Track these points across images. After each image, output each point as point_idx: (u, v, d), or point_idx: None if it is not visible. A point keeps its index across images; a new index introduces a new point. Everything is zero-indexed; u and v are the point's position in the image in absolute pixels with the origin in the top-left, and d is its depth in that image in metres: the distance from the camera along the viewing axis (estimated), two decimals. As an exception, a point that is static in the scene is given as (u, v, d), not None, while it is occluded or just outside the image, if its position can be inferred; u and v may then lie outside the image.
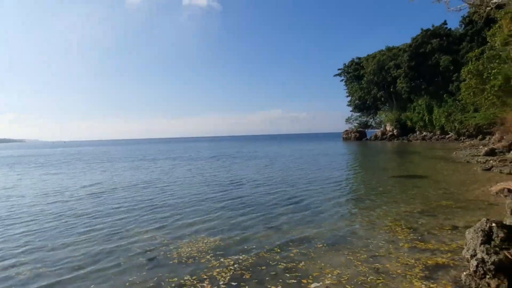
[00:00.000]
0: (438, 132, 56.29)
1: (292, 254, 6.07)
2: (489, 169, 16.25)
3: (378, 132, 74.18)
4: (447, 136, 53.38)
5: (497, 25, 23.01)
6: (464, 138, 47.56)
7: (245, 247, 6.61)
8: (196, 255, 6.20)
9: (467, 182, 13.32)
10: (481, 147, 28.53)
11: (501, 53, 23.28)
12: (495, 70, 23.64)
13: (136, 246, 6.90)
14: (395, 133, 67.35)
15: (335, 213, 9.24)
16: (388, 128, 71.24)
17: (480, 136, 41.41)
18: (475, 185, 12.53)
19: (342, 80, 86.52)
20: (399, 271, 5.12)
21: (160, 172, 21.89)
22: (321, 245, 6.53)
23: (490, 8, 7.00)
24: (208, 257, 6.07)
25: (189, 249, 6.55)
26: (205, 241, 7.05)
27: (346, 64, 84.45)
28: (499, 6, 12.41)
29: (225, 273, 5.30)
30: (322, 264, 5.53)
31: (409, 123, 64.32)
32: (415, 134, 63.12)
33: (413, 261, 5.45)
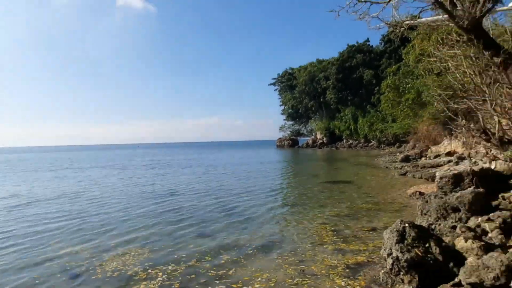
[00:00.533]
0: (362, 140, 60.93)
1: (223, 261, 6.06)
2: (404, 174, 17.94)
3: (309, 140, 77.97)
4: (370, 144, 58.04)
5: (410, 45, 25.78)
6: (384, 146, 52.11)
7: (175, 257, 6.42)
8: (123, 268, 5.86)
9: (386, 186, 14.53)
10: (398, 154, 31.39)
11: (414, 69, 26.06)
12: (409, 85, 26.45)
13: (57, 263, 6.31)
14: (324, 141, 71.29)
15: (268, 219, 9.38)
16: (319, 136, 75.20)
17: (397, 144, 45.68)
18: (393, 189, 13.72)
19: (276, 90, 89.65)
20: (323, 271, 5.38)
21: (88, 182, 20.23)
22: (252, 251, 6.60)
23: (403, 28, 7.74)
24: (135, 269, 5.79)
25: (115, 263, 6.17)
26: (133, 253, 6.71)
27: (280, 74, 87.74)
28: (411, 28, 13.83)
29: (153, 285, 5.11)
30: (253, 269, 5.61)
31: (337, 131, 68.69)
32: (342, 142, 67.49)
33: (336, 261, 5.76)
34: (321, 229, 7.91)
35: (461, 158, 16.36)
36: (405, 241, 5.04)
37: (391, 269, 4.79)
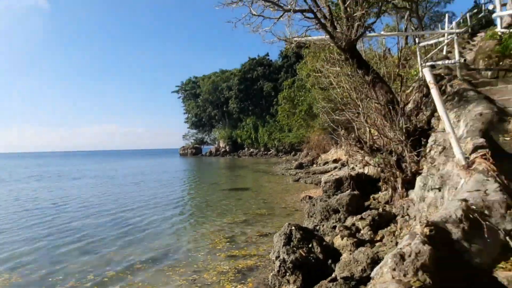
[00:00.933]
0: (262, 149, 63.79)
1: (106, 279, 5.64)
2: (297, 180, 19.26)
3: (212, 148, 78.37)
4: (269, 152, 61.05)
5: (303, 61, 28.10)
6: (282, 154, 55.32)
7: (50, 279, 5.75)
8: (-20, 299, 5.01)
9: (281, 192, 15.35)
10: (293, 161, 33.61)
11: (306, 84, 28.44)
12: (302, 98, 28.78)
13: None
14: (227, 149, 72.49)
15: (164, 231, 8.99)
16: (221, 144, 76.12)
17: (293, 152, 48.98)
18: (287, 194, 14.57)
19: (179, 97, 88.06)
20: (214, 278, 5.40)
21: None
22: (141, 265, 6.25)
23: (293, 44, 8.35)
24: (-3, 298, 5.02)
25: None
26: (-2, 279, 5.75)
27: (184, 82, 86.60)
28: (304, 45, 15.04)
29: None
30: (140, 284, 5.34)
31: (239, 140, 70.61)
32: (244, 150, 69.52)
33: (227, 267, 5.81)
34: (216, 237, 7.93)
35: (344, 165, 18.31)
36: (291, 243, 5.34)
37: (278, 271, 5.00)
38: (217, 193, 16.28)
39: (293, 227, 5.59)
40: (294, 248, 5.20)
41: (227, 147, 73.10)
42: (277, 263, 5.06)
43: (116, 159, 79.35)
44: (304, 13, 7.02)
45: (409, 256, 2.89)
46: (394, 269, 2.86)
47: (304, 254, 5.07)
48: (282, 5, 6.92)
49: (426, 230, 3.13)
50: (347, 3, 7.42)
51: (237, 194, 15.46)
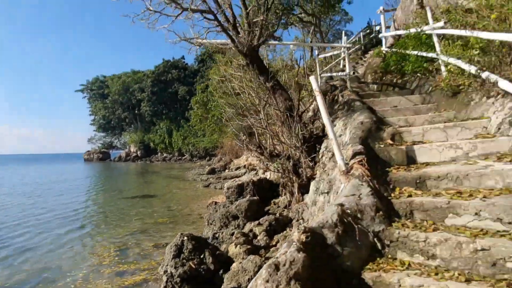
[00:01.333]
0: (176, 154, 61.85)
1: None
2: (208, 186, 18.94)
3: (122, 153, 73.31)
4: (183, 157, 59.47)
5: (216, 66, 28.01)
6: (196, 159, 54.33)
7: None
8: None
9: (189, 199, 14.84)
10: (207, 167, 33.16)
11: (217, 88, 28.39)
12: (214, 103, 28.66)
13: None
14: (139, 154, 68.56)
15: (49, 248, 7.81)
16: (133, 149, 71.74)
17: (208, 158, 48.47)
18: (194, 200, 14.14)
19: (85, 97, 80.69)
20: (93, 300, 4.73)
21: None
22: (4, 291, 5.23)
23: (194, 45, 8.07)
24: None
25: None
26: None
27: (90, 80, 79.68)
28: (216, 50, 14.86)
29: None
30: None
31: (152, 144, 67.35)
32: (157, 155, 66.57)
33: (110, 285, 5.23)
34: (105, 250, 7.15)
35: (254, 170, 18.60)
36: (182, 255, 5.00)
37: (165, 286, 4.63)
38: (119, 201, 15.02)
39: (185, 238, 5.26)
40: (184, 261, 4.87)
41: (138, 152, 69.13)
42: (164, 278, 4.69)
43: (6, 165, 68.91)
44: (203, 14, 6.79)
45: (284, 265, 2.80)
46: (267, 281, 2.73)
47: (194, 267, 4.78)
48: (180, 3, 6.59)
49: (303, 236, 3.09)
50: (249, 9, 7.44)
51: (142, 201, 14.49)
